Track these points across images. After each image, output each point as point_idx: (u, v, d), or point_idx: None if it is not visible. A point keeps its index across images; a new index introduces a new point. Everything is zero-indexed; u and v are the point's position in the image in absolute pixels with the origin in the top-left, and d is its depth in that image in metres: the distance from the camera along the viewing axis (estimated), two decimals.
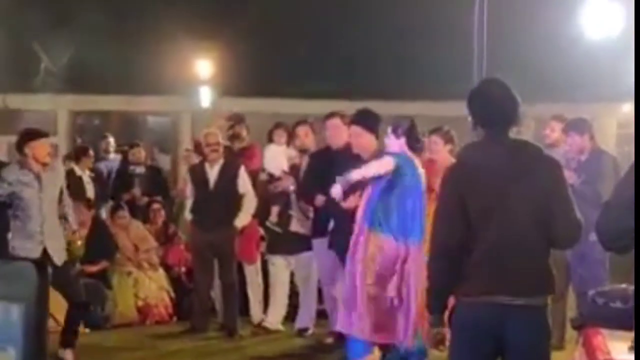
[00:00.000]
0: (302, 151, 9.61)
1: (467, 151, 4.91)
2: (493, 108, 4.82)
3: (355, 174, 7.53)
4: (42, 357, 7.90)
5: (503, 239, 4.63)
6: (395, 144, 7.65)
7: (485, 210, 4.65)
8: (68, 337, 8.30)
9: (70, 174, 13.25)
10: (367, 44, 21.47)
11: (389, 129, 7.73)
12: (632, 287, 4.90)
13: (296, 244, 9.44)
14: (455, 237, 4.69)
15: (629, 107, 20.55)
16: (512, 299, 4.63)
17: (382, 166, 7.53)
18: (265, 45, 21.44)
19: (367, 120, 8.27)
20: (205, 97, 22.05)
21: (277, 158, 9.79)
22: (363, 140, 8.18)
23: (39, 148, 7.97)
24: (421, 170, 7.62)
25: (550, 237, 4.71)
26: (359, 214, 7.52)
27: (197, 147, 11.22)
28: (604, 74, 18.61)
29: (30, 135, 8.14)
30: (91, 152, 13.32)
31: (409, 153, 7.64)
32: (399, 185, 7.47)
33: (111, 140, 14.32)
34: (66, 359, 8.24)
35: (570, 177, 6.76)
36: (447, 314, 4.92)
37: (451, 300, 4.88)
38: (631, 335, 5.29)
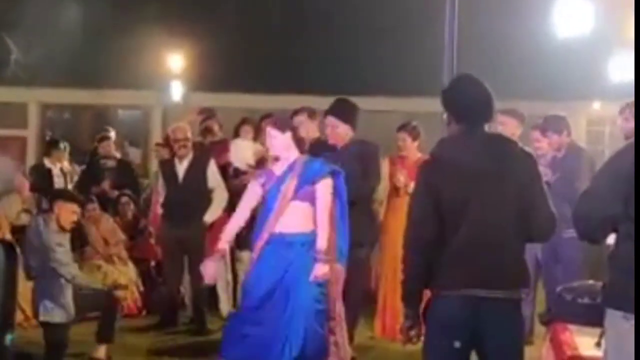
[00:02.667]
0: None
1: (442, 146, 4.93)
2: (468, 103, 4.85)
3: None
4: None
5: (478, 233, 4.65)
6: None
7: (460, 204, 4.68)
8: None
9: (38, 167, 13.24)
10: (337, 40, 21.50)
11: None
12: (599, 284, 4.93)
13: None
14: (429, 232, 4.71)
15: (598, 105, 20.70)
16: (488, 292, 4.66)
17: None
18: (237, 41, 21.44)
19: (343, 111, 8.26)
20: (177, 91, 22.02)
21: (242, 152, 9.75)
22: (339, 131, 8.18)
23: None
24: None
25: (526, 230, 4.74)
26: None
27: (167, 142, 11.19)
28: (575, 73, 18.72)
29: None
30: (62, 146, 13.23)
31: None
32: None
33: (112, 135, 13.87)
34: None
35: (545, 173, 6.76)
36: (421, 308, 4.94)
37: (426, 294, 4.90)
38: (598, 331, 5.34)
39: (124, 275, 10.78)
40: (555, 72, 19.12)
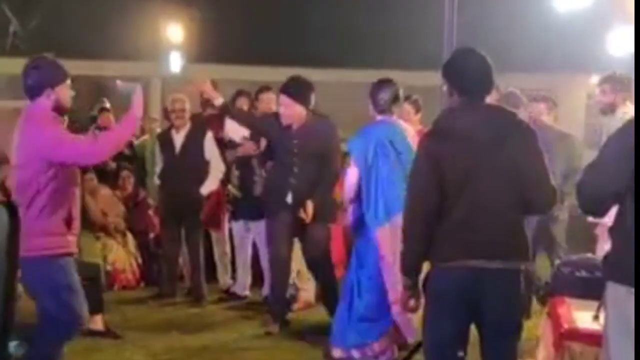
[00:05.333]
0: None
1: (444, 118, 4.94)
2: (470, 76, 4.87)
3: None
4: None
5: (479, 204, 4.67)
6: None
7: (461, 175, 4.69)
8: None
9: None
10: (338, 13, 21.44)
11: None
12: (598, 257, 4.94)
13: (257, 210, 9.30)
14: (430, 203, 4.73)
15: (598, 79, 20.66)
16: (488, 262, 4.67)
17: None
18: (236, 12, 21.36)
19: (296, 90, 8.17)
20: (176, 62, 21.96)
21: (237, 124, 9.73)
22: (292, 110, 8.12)
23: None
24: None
25: (526, 202, 4.74)
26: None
27: (166, 113, 11.17)
28: (575, 46, 18.69)
29: None
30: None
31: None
32: None
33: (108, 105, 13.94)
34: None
35: None
36: (421, 279, 4.96)
37: (426, 266, 4.92)
38: (595, 304, 5.35)
39: (123, 247, 10.80)
40: (555, 45, 19.10)
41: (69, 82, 5.94)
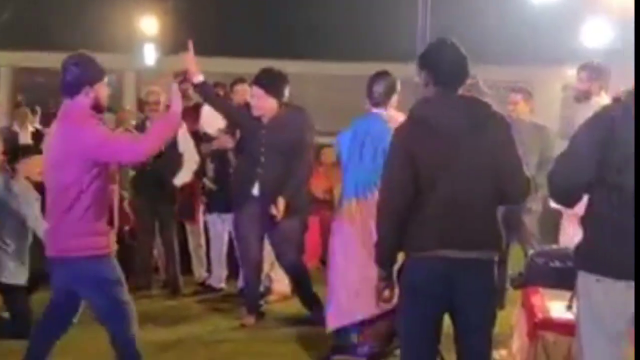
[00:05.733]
0: None
1: (418, 108, 4.94)
2: (446, 67, 4.87)
3: None
4: None
5: (454, 194, 4.67)
6: None
7: (436, 166, 4.69)
8: None
9: (5, 130, 13.26)
10: (313, 5, 21.43)
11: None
12: (570, 248, 4.96)
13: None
14: (404, 193, 4.73)
15: (572, 71, 20.75)
16: (462, 252, 4.68)
17: None
18: (211, 4, 21.31)
19: (268, 82, 8.13)
20: (150, 55, 21.89)
21: (212, 117, 9.70)
22: (263, 102, 8.09)
23: None
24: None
25: (500, 192, 4.75)
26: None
27: (140, 105, 11.17)
28: (549, 38, 18.75)
29: None
30: (25, 109, 13.25)
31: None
32: None
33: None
34: None
35: None
36: (396, 270, 4.97)
37: (401, 257, 4.92)
38: (569, 294, 5.39)
39: None
40: (530, 37, 19.14)
41: (106, 80, 5.85)
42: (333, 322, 7.27)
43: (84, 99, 5.68)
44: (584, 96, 8.00)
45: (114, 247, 5.96)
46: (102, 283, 5.75)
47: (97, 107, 5.75)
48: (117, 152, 5.74)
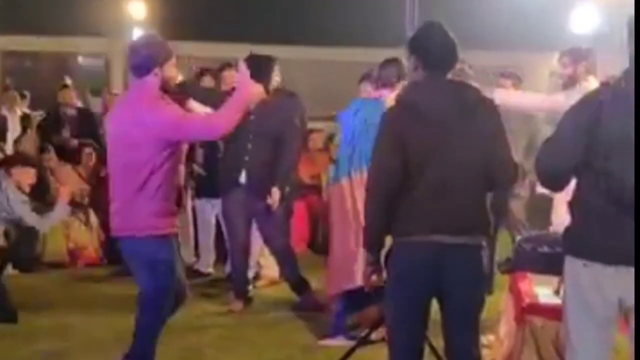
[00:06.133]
0: None
1: (408, 92, 4.93)
2: (435, 50, 4.85)
3: None
4: None
5: (443, 178, 4.65)
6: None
7: (425, 149, 4.67)
8: None
9: None
10: None
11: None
12: (558, 233, 4.98)
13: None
14: (393, 177, 4.70)
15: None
16: (450, 237, 4.67)
17: None
18: None
19: (257, 69, 8.13)
20: None
21: (201, 108, 9.68)
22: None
23: None
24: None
25: (489, 177, 4.75)
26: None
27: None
28: (537, 24, 18.74)
29: None
30: (13, 93, 13.22)
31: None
32: None
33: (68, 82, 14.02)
34: None
35: None
36: (383, 254, 4.97)
37: (389, 241, 4.93)
38: (556, 279, 5.41)
39: (86, 225, 10.76)
40: (517, 23, 19.11)
41: (174, 60, 5.84)
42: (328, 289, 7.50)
43: (153, 79, 5.70)
44: (570, 82, 7.98)
45: (176, 229, 5.97)
46: (157, 264, 5.75)
47: (164, 87, 5.79)
48: (192, 132, 5.79)
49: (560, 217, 7.48)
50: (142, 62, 5.71)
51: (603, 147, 4.14)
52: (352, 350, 6.60)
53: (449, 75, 4.89)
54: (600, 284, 4.20)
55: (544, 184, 4.58)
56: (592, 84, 7.63)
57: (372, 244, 4.93)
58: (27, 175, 8.36)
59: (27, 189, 8.40)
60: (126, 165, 5.68)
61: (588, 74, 7.80)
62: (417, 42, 4.98)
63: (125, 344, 5.84)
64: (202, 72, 10.19)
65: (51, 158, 11.04)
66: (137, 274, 5.88)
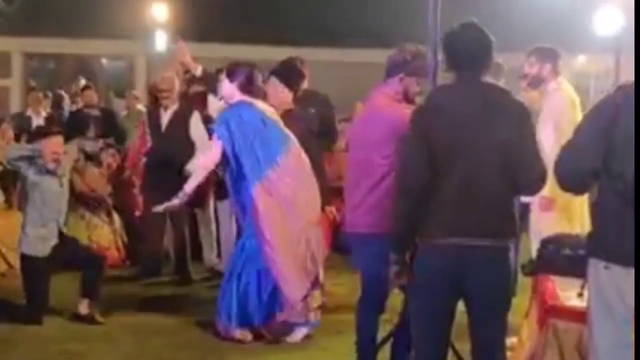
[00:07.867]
0: None
1: (436, 93, 4.94)
2: (461, 51, 4.84)
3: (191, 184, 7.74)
4: None
5: (468, 181, 4.65)
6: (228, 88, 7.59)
7: (452, 151, 4.67)
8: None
9: (19, 115, 13.33)
10: None
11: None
12: (582, 235, 4.96)
13: None
14: (420, 178, 4.71)
15: (583, 59, 20.78)
16: (476, 240, 4.67)
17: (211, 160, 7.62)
18: None
19: (287, 75, 8.14)
20: (161, 41, 21.87)
21: (218, 103, 9.70)
22: (280, 94, 8.10)
23: None
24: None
25: (515, 182, 4.73)
26: None
27: (151, 92, 11.18)
28: (560, 26, 18.69)
29: None
30: (38, 94, 13.33)
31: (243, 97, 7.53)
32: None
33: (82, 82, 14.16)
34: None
35: None
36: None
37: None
38: (580, 282, 5.37)
39: (108, 225, 10.79)
40: (540, 25, 19.07)
41: (422, 80, 5.95)
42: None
43: (397, 85, 5.94)
44: (534, 81, 7.90)
45: None
46: (381, 261, 5.80)
47: (405, 97, 5.98)
48: None
49: (538, 225, 7.50)
50: (389, 65, 6.02)
51: (619, 150, 4.14)
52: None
53: (486, 75, 4.85)
54: (620, 286, 4.19)
55: (564, 186, 4.54)
56: (564, 83, 7.63)
57: (399, 245, 4.93)
58: (55, 144, 8.22)
59: (56, 156, 8.22)
60: (367, 164, 5.92)
61: (556, 75, 7.76)
62: (445, 43, 4.96)
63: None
64: (218, 73, 10.20)
65: (79, 159, 11.06)
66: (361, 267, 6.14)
